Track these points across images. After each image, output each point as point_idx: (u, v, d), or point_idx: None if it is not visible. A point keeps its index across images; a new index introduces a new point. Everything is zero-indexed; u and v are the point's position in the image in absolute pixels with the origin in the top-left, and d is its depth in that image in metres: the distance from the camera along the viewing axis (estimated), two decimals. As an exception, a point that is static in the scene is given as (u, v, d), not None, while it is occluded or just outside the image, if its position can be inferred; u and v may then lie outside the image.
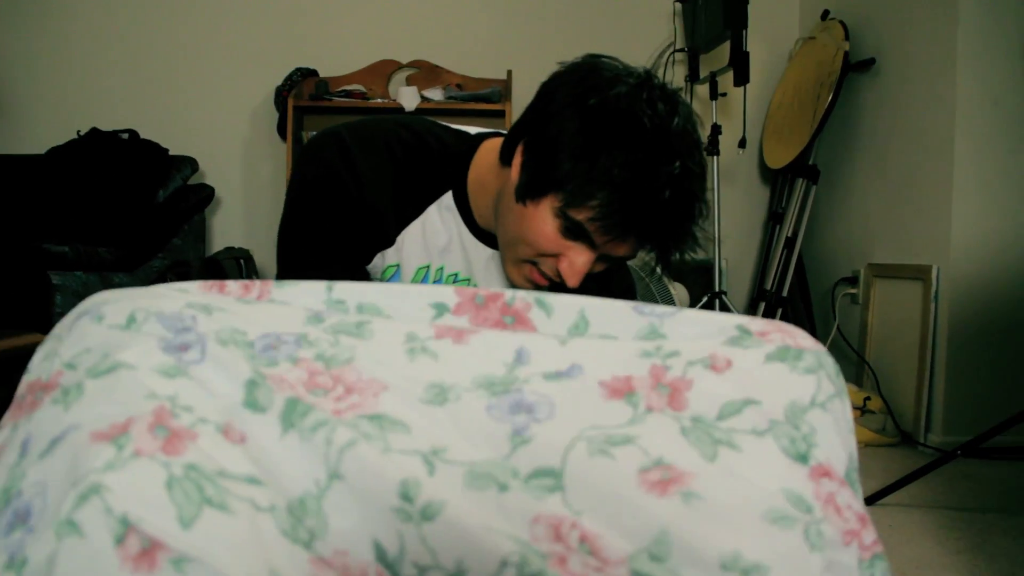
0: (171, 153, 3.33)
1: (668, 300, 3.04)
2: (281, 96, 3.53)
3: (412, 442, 0.66)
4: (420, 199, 1.18)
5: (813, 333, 3.46)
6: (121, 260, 2.90)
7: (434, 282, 1.20)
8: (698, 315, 0.79)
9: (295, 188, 1.15)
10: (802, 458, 0.69)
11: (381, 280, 1.19)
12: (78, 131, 3.32)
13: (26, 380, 0.70)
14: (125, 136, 3.31)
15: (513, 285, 1.14)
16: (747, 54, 3.20)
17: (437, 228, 1.19)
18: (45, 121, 3.56)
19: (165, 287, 0.76)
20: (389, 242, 1.17)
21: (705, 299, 3.47)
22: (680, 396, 0.71)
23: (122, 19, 3.68)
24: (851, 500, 0.70)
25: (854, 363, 3.27)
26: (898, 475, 2.14)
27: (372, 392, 0.69)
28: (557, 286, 1.07)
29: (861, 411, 2.95)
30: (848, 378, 3.23)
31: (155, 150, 3.30)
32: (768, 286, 3.47)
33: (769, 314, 3.40)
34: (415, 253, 1.18)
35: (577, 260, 1.05)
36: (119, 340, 0.68)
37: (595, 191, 0.98)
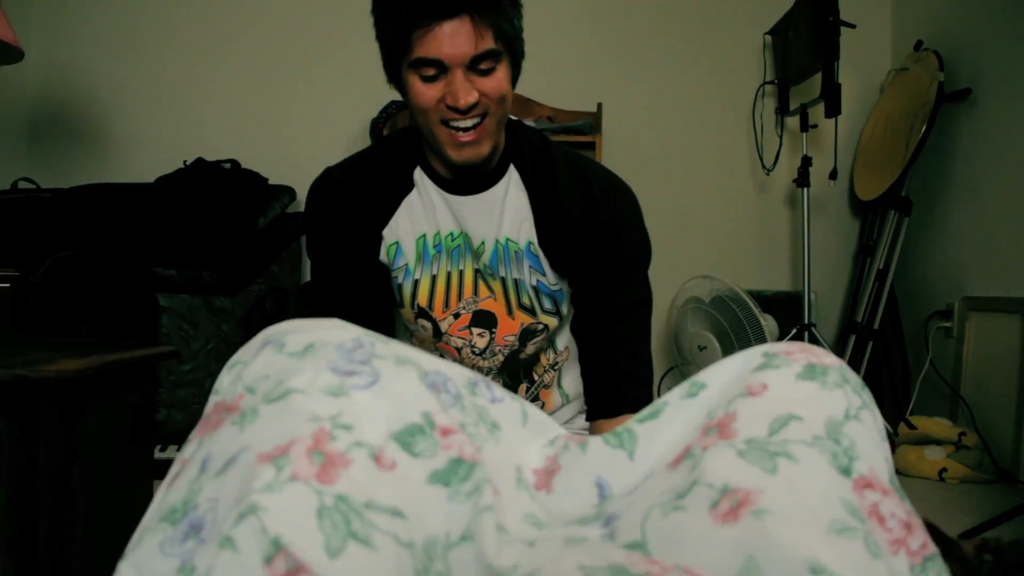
0: (271, 182, 3.45)
1: (758, 330, 3.03)
2: (376, 128, 3.62)
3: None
4: (398, 185, 1.32)
5: (906, 367, 3.41)
6: (223, 284, 3.01)
7: (434, 246, 1.32)
8: (728, 359, 0.85)
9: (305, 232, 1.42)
10: (845, 471, 0.72)
11: (388, 259, 1.32)
12: (184, 161, 3.46)
13: (213, 400, 0.76)
14: (227, 165, 3.44)
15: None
16: (839, 86, 3.19)
17: (422, 200, 1.32)
18: (154, 151, 3.73)
19: (340, 321, 0.81)
20: (380, 228, 1.32)
21: (794, 331, 3.44)
22: (728, 428, 0.75)
23: (224, 54, 3.83)
24: (895, 507, 0.72)
25: (948, 397, 3.20)
26: (994, 513, 2.09)
27: (491, 490, 0.73)
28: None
29: (956, 446, 2.89)
30: (942, 413, 3.16)
31: (255, 179, 3.42)
32: (859, 319, 3.43)
33: (860, 348, 3.36)
34: (410, 228, 1.32)
35: (453, 82, 1.15)
36: (294, 367, 0.73)
37: (391, 25, 1.17)
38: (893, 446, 3.04)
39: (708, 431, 0.76)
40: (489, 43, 1.16)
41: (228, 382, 0.76)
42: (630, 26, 3.85)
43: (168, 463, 0.99)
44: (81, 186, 3.45)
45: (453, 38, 1.13)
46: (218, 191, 3.33)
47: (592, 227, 1.32)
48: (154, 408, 1.36)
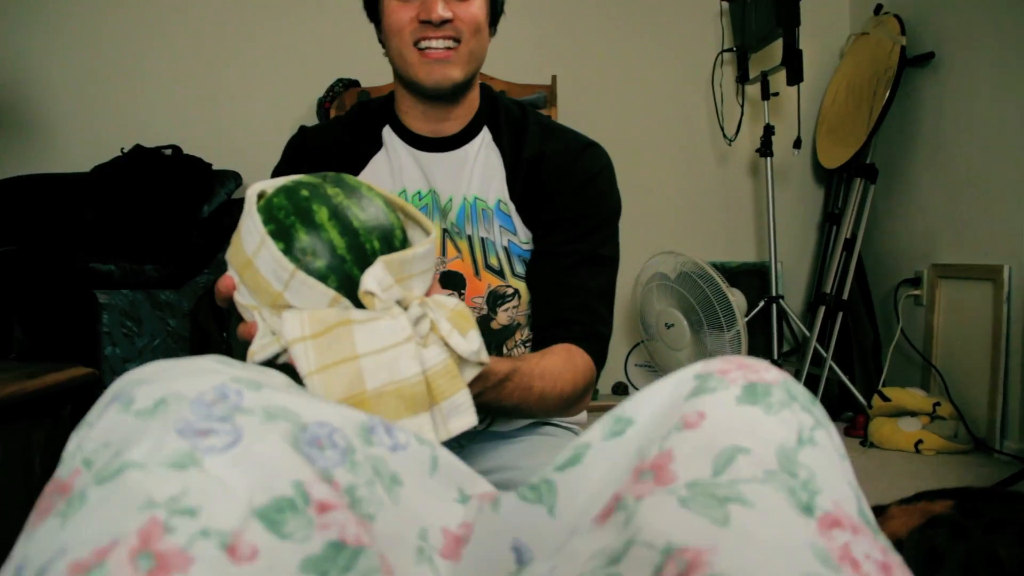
0: (215, 167, 3.29)
1: (726, 305, 2.95)
2: (323, 107, 3.48)
3: None
4: (366, 144, 1.32)
5: (876, 338, 3.36)
6: (167, 277, 2.85)
7: None
8: (655, 386, 0.72)
9: None
10: (807, 509, 0.59)
11: None
12: (122, 148, 3.30)
13: (54, 475, 0.62)
14: (168, 152, 3.28)
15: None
16: (800, 52, 3.11)
17: (390, 159, 1.30)
18: (91, 138, 3.54)
19: (214, 360, 0.68)
20: None
21: (762, 303, 3.37)
22: (665, 470, 0.62)
23: (162, 34, 3.66)
24: (869, 547, 0.59)
25: (920, 367, 3.16)
26: (974, 484, 2.04)
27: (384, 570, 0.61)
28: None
29: (931, 417, 2.84)
30: (915, 383, 3.11)
31: (198, 165, 3.26)
32: (827, 289, 3.36)
33: (830, 319, 3.30)
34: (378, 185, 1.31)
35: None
36: (137, 431, 0.60)
37: None
38: (866, 419, 2.98)
39: (641, 474, 0.63)
40: None
41: (71, 450, 0.63)
42: (584, -5, 3.74)
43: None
44: (12, 178, 3.27)
45: None
46: (158, 179, 3.17)
47: (565, 177, 1.27)
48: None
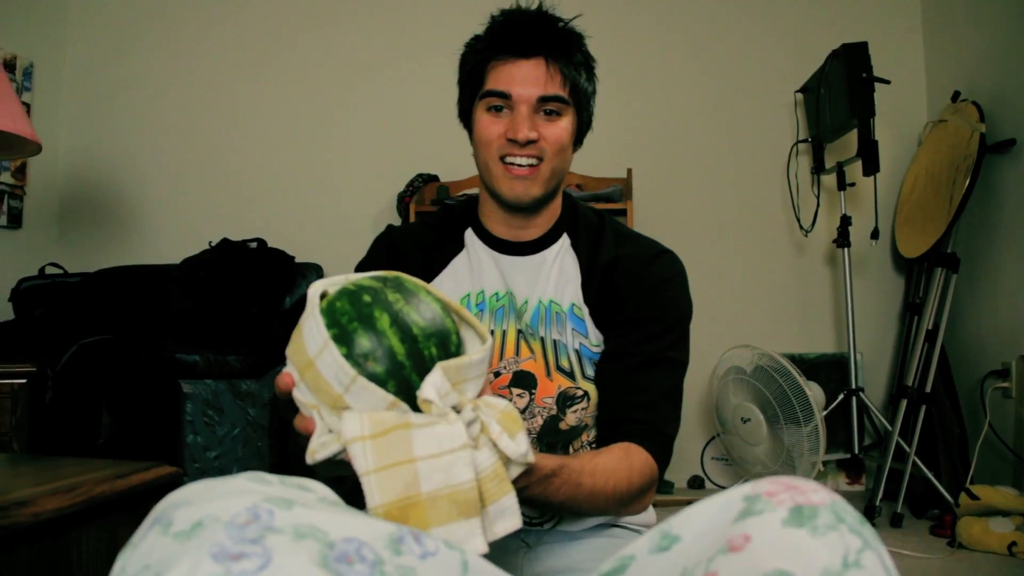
0: (297, 260, 3.41)
1: (803, 400, 2.90)
2: (403, 202, 3.58)
3: None
4: (450, 244, 1.36)
5: (963, 432, 3.24)
6: (250, 367, 2.94)
7: (476, 305, 1.31)
8: (704, 504, 0.73)
9: None
10: None
11: None
12: (210, 241, 3.44)
13: None
14: (253, 245, 3.41)
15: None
16: (876, 142, 3.10)
17: (470, 261, 1.34)
18: (181, 232, 3.72)
19: (251, 477, 0.71)
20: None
21: (841, 396, 3.30)
22: None
23: (248, 132, 3.84)
24: None
25: (1012, 463, 3.03)
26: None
27: None
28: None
29: (1024, 518, 2.72)
30: (1006, 480, 2.99)
31: (282, 258, 3.38)
32: (909, 382, 3.27)
33: (913, 411, 3.20)
34: (454, 287, 1.34)
35: (516, 116, 1.22)
36: (175, 554, 0.63)
37: (470, 62, 1.27)
38: (954, 518, 2.86)
39: None
40: (558, 89, 1.23)
41: (116, 571, 0.66)
42: (657, 89, 3.80)
43: None
44: (107, 269, 3.44)
45: (525, 74, 1.22)
46: (244, 271, 3.29)
47: (637, 282, 1.30)
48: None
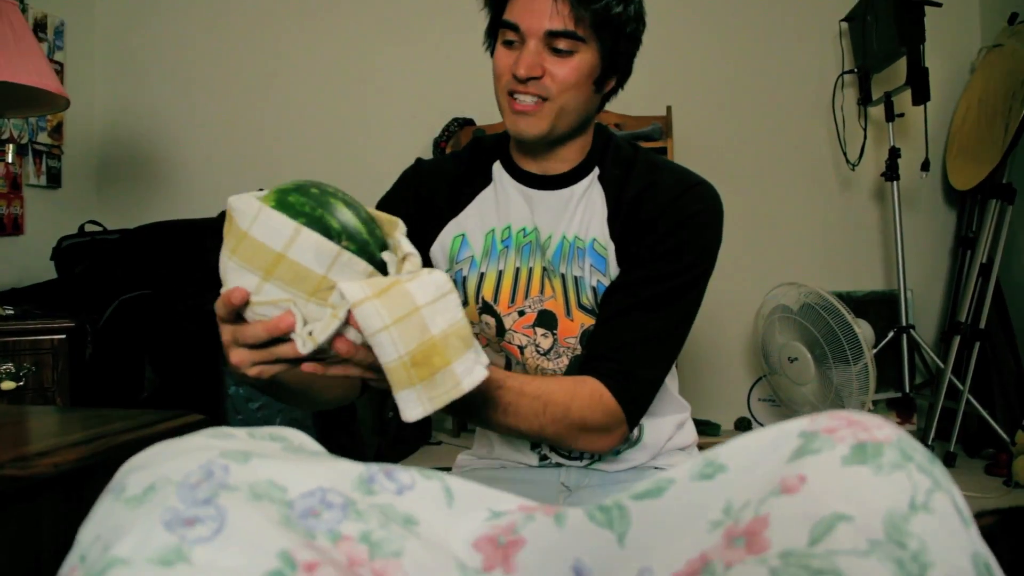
0: (334, 210, 3.39)
1: (852, 338, 2.83)
2: (439, 147, 3.54)
3: None
4: (478, 177, 1.33)
5: (1019, 369, 3.15)
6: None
7: (502, 241, 1.29)
8: (755, 435, 0.67)
9: None
10: None
11: (450, 252, 1.31)
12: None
13: (64, 564, 0.62)
14: (292, 196, 3.39)
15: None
16: (926, 70, 2.98)
17: (497, 195, 1.32)
18: (220, 185, 3.71)
19: (213, 433, 0.68)
20: (448, 218, 1.33)
21: (891, 334, 3.23)
22: (759, 537, 0.58)
23: (282, 84, 3.81)
24: None
25: (1070, 401, 2.95)
26: None
27: None
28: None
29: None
30: (1064, 419, 2.90)
31: (319, 208, 3.36)
32: (962, 318, 3.18)
33: (966, 348, 3.12)
34: (479, 222, 1.31)
35: (523, 51, 1.17)
36: (125, 522, 0.60)
37: None
38: (1010, 457, 2.80)
39: (734, 540, 0.59)
40: (567, 23, 1.16)
41: (75, 543, 0.63)
42: (696, 22, 3.69)
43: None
44: (146, 225, 3.44)
45: (533, 6, 1.16)
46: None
47: (662, 214, 1.23)
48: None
